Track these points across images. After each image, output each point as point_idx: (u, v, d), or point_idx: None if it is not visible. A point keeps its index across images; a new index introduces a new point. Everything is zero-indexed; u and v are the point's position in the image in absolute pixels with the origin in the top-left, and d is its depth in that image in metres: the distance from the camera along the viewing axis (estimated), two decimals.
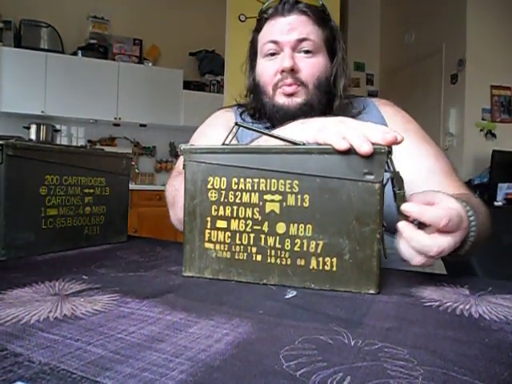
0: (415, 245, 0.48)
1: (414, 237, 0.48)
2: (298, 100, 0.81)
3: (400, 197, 0.50)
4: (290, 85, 0.81)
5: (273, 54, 0.83)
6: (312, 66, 0.82)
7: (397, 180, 0.50)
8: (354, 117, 0.83)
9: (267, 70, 0.84)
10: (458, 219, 0.49)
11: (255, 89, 0.89)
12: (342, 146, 0.48)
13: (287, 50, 0.81)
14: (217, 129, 0.89)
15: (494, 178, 3.06)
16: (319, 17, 0.83)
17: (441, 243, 0.48)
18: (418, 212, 0.48)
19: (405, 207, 0.49)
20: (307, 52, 0.82)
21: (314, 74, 0.82)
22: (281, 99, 0.82)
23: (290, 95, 0.81)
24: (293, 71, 0.80)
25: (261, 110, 0.89)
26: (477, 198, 0.73)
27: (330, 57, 0.86)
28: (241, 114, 0.95)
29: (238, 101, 0.99)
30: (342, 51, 0.87)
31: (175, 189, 0.79)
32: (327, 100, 0.84)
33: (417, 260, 0.49)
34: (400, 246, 0.50)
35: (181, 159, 0.85)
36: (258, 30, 0.88)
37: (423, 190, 0.78)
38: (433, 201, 0.51)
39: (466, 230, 0.52)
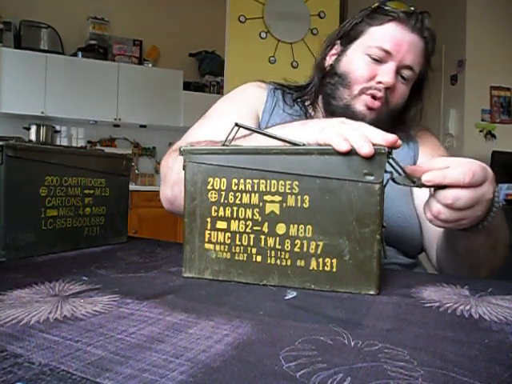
0: (437, 195, 0.50)
1: (438, 189, 0.50)
2: (373, 116, 0.79)
3: (421, 185, 0.51)
4: (379, 98, 0.79)
5: (377, 60, 0.79)
6: (401, 93, 0.81)
7: (406, 177, 0.50)
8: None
9: (364, 71, 0.80)
10: (482, 170, 0.49)
11: (333, 74, 0.84)
12: (342, 147, 0.48)
13: (394, 65, 0.78)
14: (243, 109, 0.86)
15: None
16: (431, 50, 0.83)
17: (457, 192, 0.48)
18: (439, 176, 0.49)
19: (425, 177, 0.49)
20: (404, 78, 0.81)
21: (399, 101, 0.81)
22: (360, 107, 0.80)
23: (371, 109, 0.80)
24: (388, 88, 0.79)
25: (318, 94, 0.86)
26: None
27: (412, 87, 0.85)
28: (276, 96, 0.91)
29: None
30: (427, 90, 0.87)
31: (168, 166, 0.79)
32: (391, 125, 0.82)
33: (434, 208, 0.50)
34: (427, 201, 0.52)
35: (181, 141, 0.84)
36: (374, 20, 0.81)
37: None
38: (449, 165, 0.51)
39: (493, 183, 0.52)
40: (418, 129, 0.93)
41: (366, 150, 0.47)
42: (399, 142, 0.49)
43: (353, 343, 0.34)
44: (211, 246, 0.54)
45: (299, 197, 0.50)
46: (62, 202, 0.70)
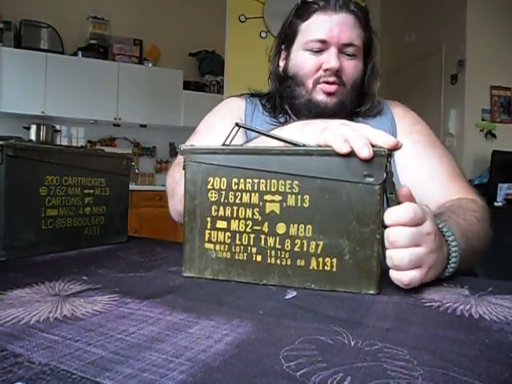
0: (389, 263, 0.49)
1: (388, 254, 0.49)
2: (335, 100, 0.83)
3: (392, 200, 0.50)
4: (332, 83, 0.82)
5: (318, 51, 0.83)
6: (353, 68, 0.84)
7: (389, 183, 0.50)
8: (375, 115, 0.88)
9: (310, 64, 0.84)
10: (421, 208, 0.49)
11: (287, 78, 0.88)
12: (343, 149, 0.48)
13: (334, 50, 0.81)
14: (227, 120, 0.88)
15: (493, 179, 3.06)
16: (365, 19, 0.84)
17: (396, 230, 0.47)
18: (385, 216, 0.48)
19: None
20: (349, 55, 0.83)
21: (353, 76, 0.84)
22: (320, 96, 0.83)
23: (330, 94, 0.83)
24: (337, 71, 0.81)
25: (284, 100, 0.89)
26: (477, 204, 0.73)
27: (365, 57, 0.88)
28: (254, 102, 0.95)
29: (248, 90, 0.98)
30: (377, 54, 0.89)
31: (175, 181, 0.80)
32: (356, 99, 0.87)
33: (391, 275, 0.49)
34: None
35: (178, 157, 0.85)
36: (302, 17, 0.86)
37: (425, 192, 0.78)
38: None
39: (433, 219, 0.51)
40: (393, 104, 0.95)
41: (365, 153, 0.47)
42: (400, 143, 0.49)
43: (353, 343, 0.34)
44: (211, 246, 0.54)
45: (299, 196, 0.50)
46: (62, 201, 0.70)
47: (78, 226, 0.73)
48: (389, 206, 0.50)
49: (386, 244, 0.48)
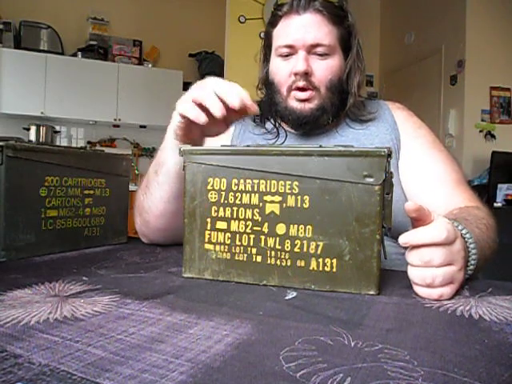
0: (411, 279, 0.49)
1: (409, 272, 0.49)
2: (311, 105, 0.82)
3: (388, 202, 0.49)
4: (303, 89, 0.81)
5: (287, 55, 0.83)
6: (325, 69, 0.81)
7: (387, 184, 0.50)
8: (367, 120, 0.87)
9: (281, 71, 0.83)
10: (453, 228, 0.48)
11: (268, 85, 0.89)
12: (201, 118, 0.58)
13: (301, 52, 0.80)
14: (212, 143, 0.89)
15: (493, 179, 3.06)
16: (335, 15, 0.81)
17: (432, 251, 0.47)
18: (415, 239, 0.47)
19: (401, 240, 0.48)
20: (321, 55, 0.81)
21: (327, 77, 0.82)
22: (294, 103, 0.83)
23: (304, 100, 0.82)
24: (306, 74, 0.80)
25: (271, 107, 0.89)
26: (482, 211, 0.72)
27: (345, 53, 0.85)
28: (245, 120, 0.94)
29: None
30: (358, 47, 0.86)
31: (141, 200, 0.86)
32: (341, 100, 0.84)
33: (421, 292, 0.49)
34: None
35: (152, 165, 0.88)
36: (272, 24, 0.87)
37: (432, 198, 0.78)
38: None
39: (461, 239, 0.51)
40: (394, 107, 0.92)
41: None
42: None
43: (353, 343, 0.34)
44: (211, 247, 0.54)
45: (299, 197, 0.50)
46: (62, 202, 0.70)
47: (78, 226, 0.73)
48: (384, 206, 0.49)
49: (416, 262, 0.48)
